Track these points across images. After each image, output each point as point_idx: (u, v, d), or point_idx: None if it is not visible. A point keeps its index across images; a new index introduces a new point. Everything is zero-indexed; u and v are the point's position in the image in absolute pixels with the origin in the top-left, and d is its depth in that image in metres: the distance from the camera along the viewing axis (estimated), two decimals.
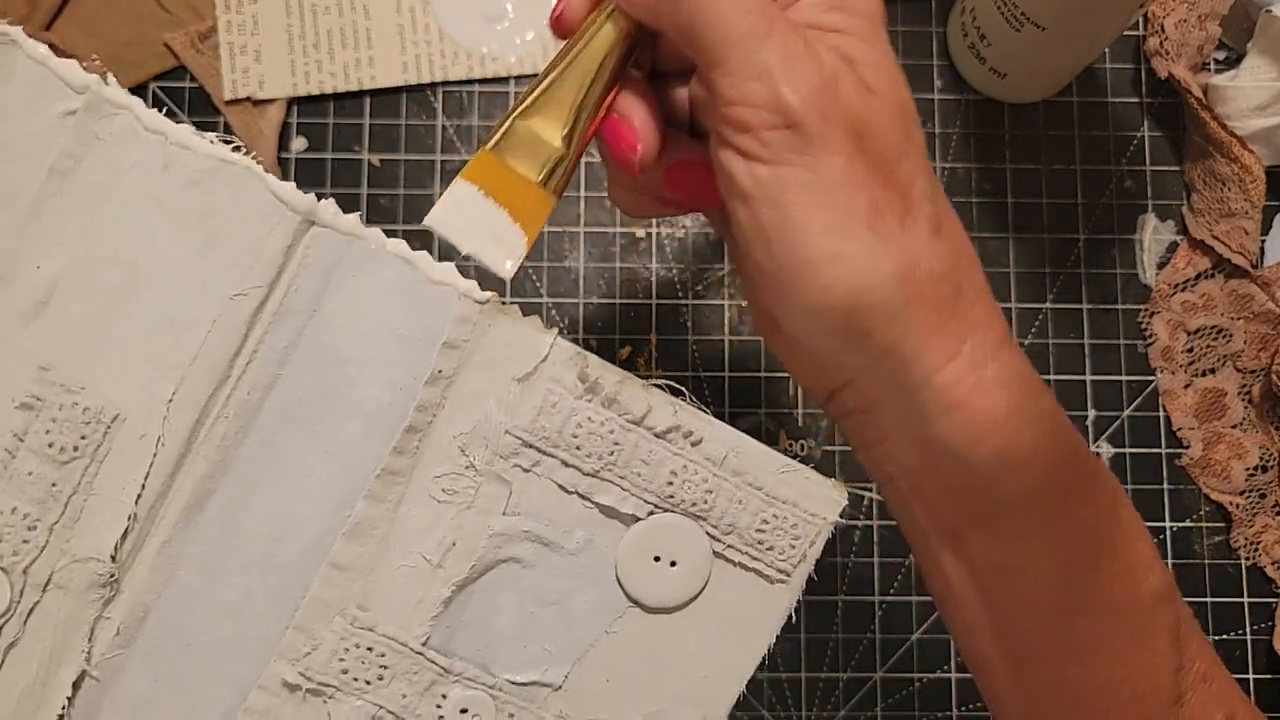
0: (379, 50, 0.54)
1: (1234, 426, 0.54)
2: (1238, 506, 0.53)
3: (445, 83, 0.55)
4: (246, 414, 0.31)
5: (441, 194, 0.30)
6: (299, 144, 0.54)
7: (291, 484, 0.32)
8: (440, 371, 0.31)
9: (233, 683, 0.32)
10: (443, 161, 0.54)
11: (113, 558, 0.31)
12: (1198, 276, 0.55)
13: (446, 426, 0.32)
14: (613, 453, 0.31)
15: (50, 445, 0.31)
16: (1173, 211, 0.56)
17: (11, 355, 0.31)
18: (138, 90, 0.54)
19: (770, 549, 0.32)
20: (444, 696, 0.32)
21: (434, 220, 0.30)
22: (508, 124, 0.31)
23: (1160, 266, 0.55)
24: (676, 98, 0.34)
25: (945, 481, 0.30)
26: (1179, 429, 0.54)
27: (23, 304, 0.31)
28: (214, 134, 0.32)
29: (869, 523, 0.53)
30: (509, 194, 0.31)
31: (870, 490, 0.53)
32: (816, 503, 0.32)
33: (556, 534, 0.32)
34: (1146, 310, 0.55)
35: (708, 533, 0.32)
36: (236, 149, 0.32)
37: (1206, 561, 0.54)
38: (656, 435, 0.31)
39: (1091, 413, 0.54)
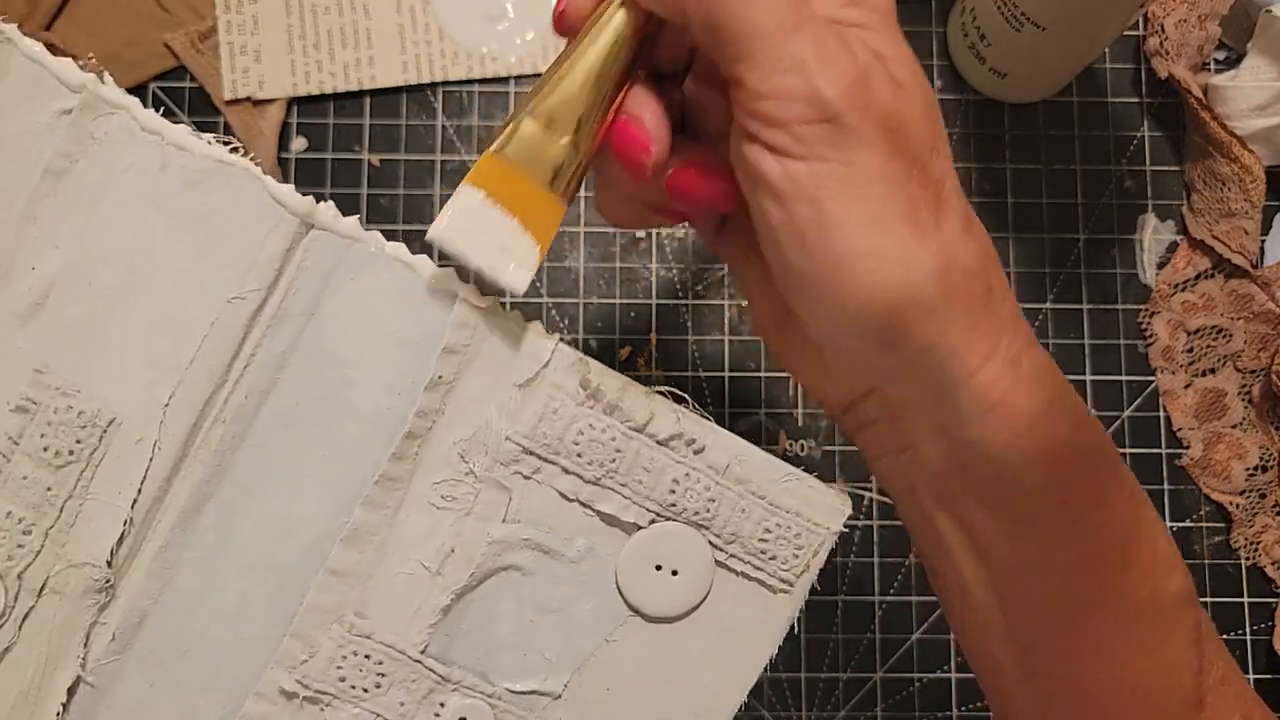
0: (379, 50, 0.54)
1: (1234, 426, 0.54)
2: (1238, 506, 0.53)
3: (445, 83, 0.55)
4: (244, 418, 0.31)
5: (444, 200, 0.29)
6: (299, 144, 0.54)
7: (289, 488, 0.31)
8: (440, 377, 0.31)
9: (230, 688, 0.31)
10: (443, 161, 0.54)
11: (109, 563, 0.31)
12: (1198, 276, 0.55)
13: (446, 432, 0.31)
14: (614, 460, 0.31)
15: (45, 449, 0.31)
16: (1173, 211, 0.56)
17: (6, 357, 0.31)
18: (137, 90, 0.53)
19: (773, 558, 0.32)
20: (442, 705, 0.31)
21: (439, 234, 0.29)
22: (513, 126, 0.30)
23: (1160, 266, 0.55)
24: (672, 100, 0.33)
25: (973, 483, 0.30)
26: (1179, 429, 0.54)
27: (18, 305, 0.31)
28: (212, 135, 0.31)
29: (869, 523, 0.53)
30: (518, 200, 0.30)
31: (870, 490, 0.53)
32: (820, 512, 0.32)
33: (557, 542, 0.32)
34: (1146, 310, 0.55)
35: (710, 542, 0.32)
36: (234, 150, 0.31)
37: (1206, 561, 0.54)
38: (659, 443, 0.31)
39: (1092, 413, 0.54)
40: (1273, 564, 0.53)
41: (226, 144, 0.31)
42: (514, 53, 0.54)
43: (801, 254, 0.28)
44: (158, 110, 0.32)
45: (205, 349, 0.31)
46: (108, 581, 0.31)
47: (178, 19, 0.54)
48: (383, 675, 0.31)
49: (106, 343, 0.31)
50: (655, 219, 0.35)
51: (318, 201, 0.31)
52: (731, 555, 0.32)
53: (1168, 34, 0.54)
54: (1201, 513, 0.54)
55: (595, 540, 0.32)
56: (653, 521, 0.31)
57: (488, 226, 0.30)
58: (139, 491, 0.31)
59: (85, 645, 0.31)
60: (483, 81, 0.55)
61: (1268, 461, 0.54)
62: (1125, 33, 0.56)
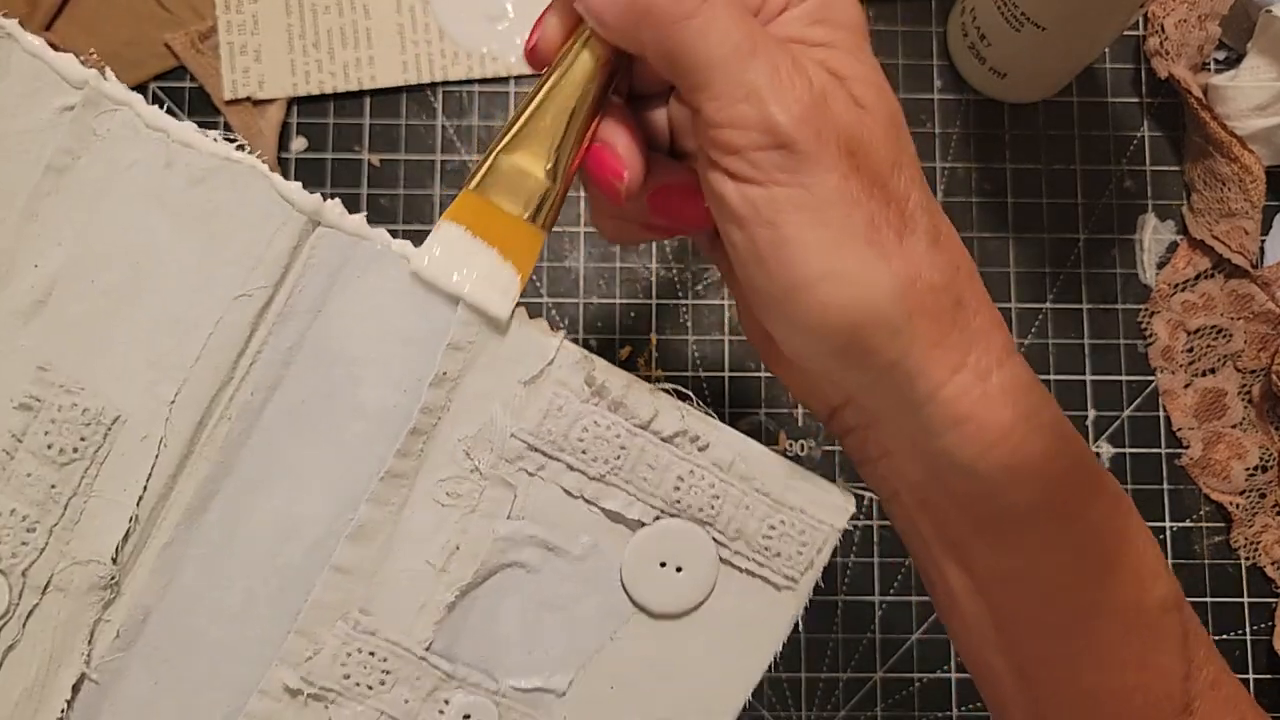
0: (379, 50, 0.54)
1: (1234, 426, 0.54)
2: (1238, 506, 0.53)
3: (445, 83, 0.55)
4: (250, 415, 0.31)
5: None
6: (299, 144, 0.54)
7: (295, 486, 0.31)
8: (445, 374, 0.31)
9: (234, 686, 0.31)
10: (443, 161, 0.54)
11: (113, 560, 0.31)
12: (1198, 276, 0.55)
13: (451, 429, 0.31)
14: (619, 457, 0.31)
15: (49, 447, 0.31)
16: (1173, 211, 0.56)
17: (9, 355, 0.31)
18: (137, 90, 0.53)
19: (777, 555, 0.32)
20: (447, 702, 0.31)
21: (421, 268, 0.30)
22: (490, 160, 0.31)
23: (1160, 266, 0.55)
24: (655, 120, 0.33)
25: (951, 494, 0.30)
26: (1179, 429, 0.54)
27: (21, 303, 0.31)
28: (217, 132, 0.31)
29: (869, 523, 0.53)
30: (497, 232, 0.31)
31: (870, 490, 0.53)
32: (825, 509, 0.32)
33: (562, 539, 0.32)
34: (1146, 310, 0.55)
35: (714, 539, 0.32)
36: (240, 148, 0.31)
37: (1206, 561, 0.54)
38: (663, 440, 0.31)
39: (1091, 413, 0.54)
40: (1273, 564, 0.53)
41: (231, 141, 0.31)
42: (514, 53, 0.54)
43: (763, 276, 0.28)
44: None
45: (211, 346, 0.31)
46: (112, 579, 0.31)
47: (178, 19, 0.54)
48: (387, 672, 0.31)
49: (110, 340, 0.31)
50: (646, 235, 0.35)
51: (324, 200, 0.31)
52: (736, 552, 0.32)
53: (1168, 34, 0.54)
54: (1201, 513, 0.54)
55: (600, 537, 0.32)
56: (657, 518, 0.31)
57: (469, 259, 0.31)
58: (144, 489, 0.31)
59: (89, 642, 0.31)
60: (483, 81, 0.55)
61: (1268, 461, 0.54)
62: (1125, 33, 0.56)
